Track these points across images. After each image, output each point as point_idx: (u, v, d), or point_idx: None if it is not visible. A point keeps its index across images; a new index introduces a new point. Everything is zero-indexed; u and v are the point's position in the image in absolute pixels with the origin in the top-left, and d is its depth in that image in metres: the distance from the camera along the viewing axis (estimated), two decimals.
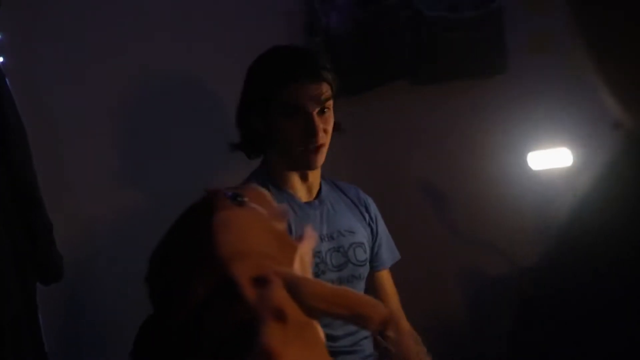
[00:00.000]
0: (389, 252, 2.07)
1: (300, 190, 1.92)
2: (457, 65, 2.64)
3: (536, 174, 2.51)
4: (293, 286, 0.77)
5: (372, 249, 2.02)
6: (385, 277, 2.06)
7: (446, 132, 2.67)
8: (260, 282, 0.76)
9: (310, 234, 0.95)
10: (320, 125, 1.84)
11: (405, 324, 2.04)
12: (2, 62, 2.11)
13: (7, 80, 2.03)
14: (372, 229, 2.03)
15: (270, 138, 1.90)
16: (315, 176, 1.94)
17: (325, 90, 1.86)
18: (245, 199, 0.92)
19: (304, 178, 1.92)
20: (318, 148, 1.85)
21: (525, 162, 2.49)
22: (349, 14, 2.56)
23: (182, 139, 2.52)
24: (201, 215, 0.86)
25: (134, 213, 2.48)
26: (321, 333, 0.81)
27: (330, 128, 1.89)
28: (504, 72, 2.66)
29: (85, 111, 2.47)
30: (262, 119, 1.88)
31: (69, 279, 2.18)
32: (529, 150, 2.48)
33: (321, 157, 1.88)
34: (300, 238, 0.92)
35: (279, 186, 1.90)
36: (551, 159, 2.46)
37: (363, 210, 2.04)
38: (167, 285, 0.86)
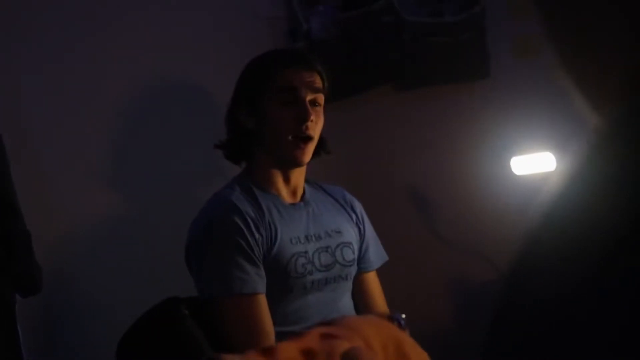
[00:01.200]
0: (376, 254, 2.05)
1: (284, 192, 1.91)
2: (439, 70, 2.64)
3: (519, 179, 2.51)
4: (351, 355, 0.77)
5: (360, 249, 2.00)
6: (372, 279, 2.05)
7: (429, 137, 2.67)
8: (327, 336, 0.77)
9: None
10: (312, 115, 1.83)
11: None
12: None
13: None
14: (359, 230, 2.02)
15: (258, 135, 1.88)
16: (298, 178, 1.93)
17: (318, 81, 1.88)
18: None
19: (287, 179, 1.91)
20: (307, 140, 1.84)
21: (508, 167, 2.48)
22: (330, 20, 2.56)
23: (166, 146, 2.50)
24: None
25: (115, 223, 2.45)
26: None
27: (320, 124, 1.88)
28: (487, 77, 2.67)
29: (64, 117, 2.45)
30: (253, 114, 1.87)
31: (49, 290, 2.15)
32: (512, 155, 2.48)
33: (308, 153, 1.86)
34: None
35: (263, 188, 1.88)
36: (534, 163, 2.46)
37: (350, 210, 2.02)
38: None
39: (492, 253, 2.63)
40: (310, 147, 1.86)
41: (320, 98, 1.89)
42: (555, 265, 0.49)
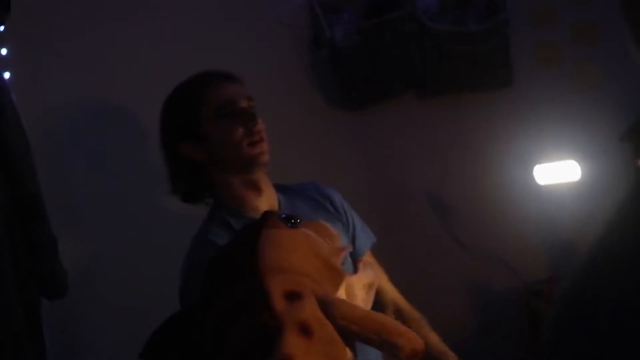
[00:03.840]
0: (365, 238, 1.98)
1: (261, 208, 1.83)
2: (463, 79, 2.63)
3: (543, 188, 2.50)
4: (326, 305, 0.80)
5: (351, 240, 1.94)
6: (367, 259, 1.97)
7: (452, 145, 2.67)
8: (293, 296, 0.80)
9: (366, 271, 0.97)
10: (259, 118, 1.82)
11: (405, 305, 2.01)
12: (8, 77, 2.12)
13: (12, 94, 2.03)
14: (342, 222, 1.95)
15: (213, 161, 1.83)
16: (267, 185, 1.87)
17: (244, 89, 1.86)
18: (298, 222, 0.95)
19: (257, 190, 1.84)
20: (262, 141, 1.81)
21: (531, 175, 2.47)
22: (354, 28, 2.56)
23: None
24: (253, 231, 0.89)
25: (141, 226, 2.47)
26: (349, 354, 0.82)
27: (264, 129, 1.84)
28: (510, 85, 2.66)
29: (91, 125, 2.48)
30: (199, 144, 1.82)
31: (74, 294, 2.17)
32: (536, 164, 2.47)
33: (267, 151, 1.81)
34: (355, 271, 0.96)
35: (238, 214, 1.83)
36: (558, 172, 2.44)
37: (328, 205, 1.95)
38: (211, 289, 0.90)
39: (514, 260, 2.63)
40: (266, 147, 1.82)
41: (253, 104, 1.86)
42: (620, 271, 0.49)
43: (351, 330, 0.80)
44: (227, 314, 0.84)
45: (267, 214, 0.96)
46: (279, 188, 1.93)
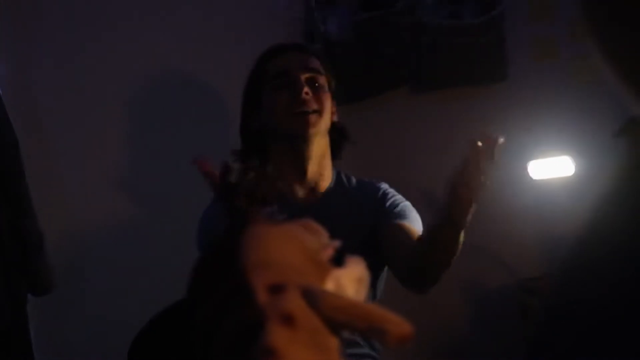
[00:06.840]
0: (415, 221, 1.96)
1: (299, 189, 1.85)
2: (457, 73, 2.62)
3: (537, 183, 2.49)
4: (311, 296, 0.80)
5: (367, 240, 1.86)
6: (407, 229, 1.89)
7: (446, 140, 2.65)
8: (276, 289, 0.79)
9: (357, 264, 0.97)
10: (307, 88, 1.80)
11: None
12: None
13: None
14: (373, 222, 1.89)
15: (266, 130, 1.86)
16: (315, 171, 1.86)
17: (313, 61, 1.87)
18: (282, 218, 0.96)
19: (302, 170, 1.84)
20: (308, 113, 1.80)
21: (526, 171, 2.46)
22: (348, 21, 2.54)
23: (180, 145, 2.50)
24: (236, 229, 0.90)
25: (127, 223, 2.46)
26: (336, 343, 0.82)
27: (324, 102, 1.83)
28: (505, 80, 2.65)
29: (78, 119, 2.46)
30: (258, 112, 1.87)
31: (61, 289, 2.15)
32: (530, 159, 2.46)
33: (314, 124, 1.80)
34: (344, 265, 0.96)
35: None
36: (552, 167, 2.43)
37: (378, 206, 1.91)
38: (197, 291, 0.91)
39: (508, 257, 2.62)
40: (314, 119, 1.80)
41: (319, 78, 1.85)
42: (603, 268, 0.48)
43: (337, 319, 0.80)
44: (212, 314, 0.84)
45: (250, 212, 0.97)
46: (340, 180, 1.93)
